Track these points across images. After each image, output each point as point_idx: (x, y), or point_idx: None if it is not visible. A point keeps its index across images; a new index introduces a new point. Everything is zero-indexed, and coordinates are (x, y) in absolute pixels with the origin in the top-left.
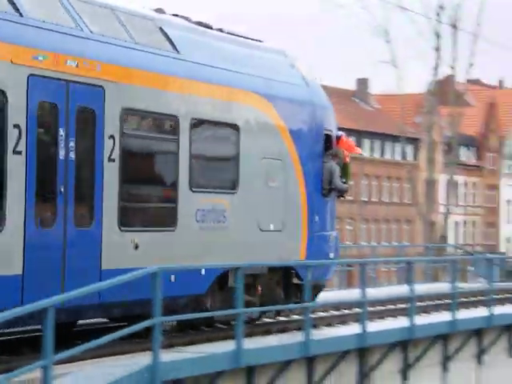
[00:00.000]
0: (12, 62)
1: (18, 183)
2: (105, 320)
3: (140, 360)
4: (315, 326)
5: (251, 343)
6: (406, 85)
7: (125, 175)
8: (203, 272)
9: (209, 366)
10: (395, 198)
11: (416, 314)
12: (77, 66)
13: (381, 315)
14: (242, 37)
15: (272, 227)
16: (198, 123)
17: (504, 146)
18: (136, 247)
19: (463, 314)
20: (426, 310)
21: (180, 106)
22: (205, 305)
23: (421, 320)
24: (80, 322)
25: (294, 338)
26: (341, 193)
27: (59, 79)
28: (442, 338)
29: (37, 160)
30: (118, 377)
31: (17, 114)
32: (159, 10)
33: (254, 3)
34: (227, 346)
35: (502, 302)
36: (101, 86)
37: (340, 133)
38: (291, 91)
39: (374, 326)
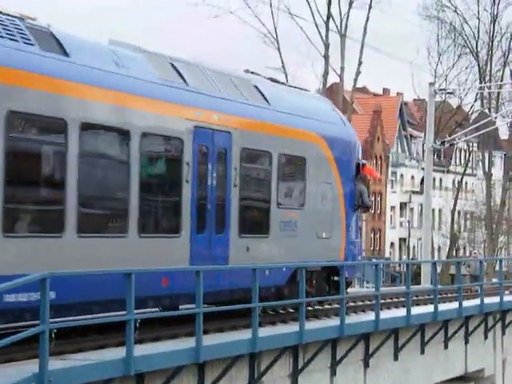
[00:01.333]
0: (186, 118)
1: (187, 203)
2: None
3: (28, 368)
4: (206, 332)
5: (141, 350)
6: None
7: (242, 196)
8: (284, 269)
9: (98, 373)
10: None
11: (306, 319)
12: (218, 118)
13: (271, 320)
14: (297, 88)
15: (324, 235)
16: (282, 157)
17: (389, 153)
18: (247, 249)
19: (351, 319)
20: (315, 315)
21: (272, 145)
22: (284, 293)
23: (311, 325)
24: None
25: (185, 344)
26: (367, 208)
27: (209, 128)
28: (331, 342)
29: (197, 187)
30: None
31: (187, 154)
32: (247, 71)
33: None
34: (117, 353)
35: (387, 305)
36: (229, 132)
37: (364, 161)
38: (335, 130)
39: (264, 331)
